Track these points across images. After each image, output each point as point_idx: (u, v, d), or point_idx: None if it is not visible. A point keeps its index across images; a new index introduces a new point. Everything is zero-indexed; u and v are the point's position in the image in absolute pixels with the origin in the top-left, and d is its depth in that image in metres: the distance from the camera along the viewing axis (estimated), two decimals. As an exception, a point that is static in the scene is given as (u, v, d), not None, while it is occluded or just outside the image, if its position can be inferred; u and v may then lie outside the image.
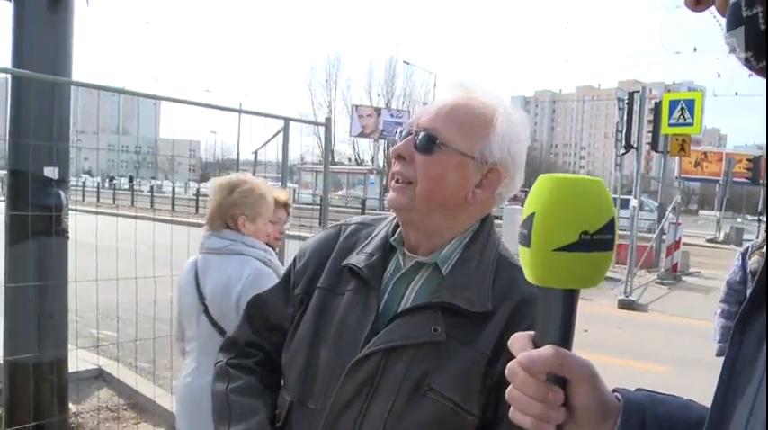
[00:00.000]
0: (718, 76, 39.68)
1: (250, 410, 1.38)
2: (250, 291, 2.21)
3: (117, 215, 5.92)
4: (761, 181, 33.09)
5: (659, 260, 15.84)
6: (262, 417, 1.36)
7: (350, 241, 1.42)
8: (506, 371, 0.77)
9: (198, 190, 33.19)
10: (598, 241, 0.74)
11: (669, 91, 23.78)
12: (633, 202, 13.07)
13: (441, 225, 1.33)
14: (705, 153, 41.93)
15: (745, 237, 29.71)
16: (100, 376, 5.35)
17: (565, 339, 0.77)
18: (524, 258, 0.78)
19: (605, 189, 0.77)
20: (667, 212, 15.04)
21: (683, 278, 15.16)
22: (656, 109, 16.04)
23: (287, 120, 4.80)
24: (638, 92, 16.21)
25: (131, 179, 46.06)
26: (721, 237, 29.99)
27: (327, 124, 4.82)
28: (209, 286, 2.57)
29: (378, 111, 50.31)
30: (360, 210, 26.13)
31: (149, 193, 32.54)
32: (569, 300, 0.77)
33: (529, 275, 0.78)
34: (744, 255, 4.39)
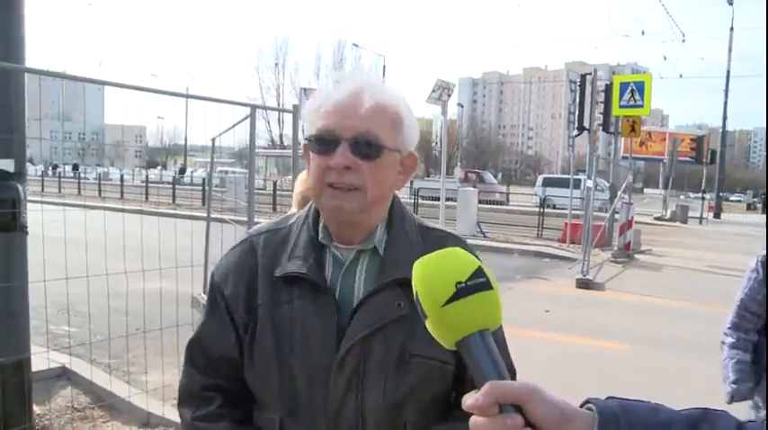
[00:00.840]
0: (665, 58, 40.55)
1: None
2: None
3: (65, 205, 5.70)
4: (704, 160, 34.04)
5: (612, 239, 16.12)
6: None
7: (269, 251, 1.39)
8: (470, 425, 0.81)
9: (147, 177, 32.66)
10: (474, 285, 0.85)
11: (614, 73, 24.11)
12: (588, 183, 13.23)
13: (377, 216, 1.39)
14: (650, 133, 42.77)
15: (691, 214, 30.56)
16: (63, 375, 5.17)
17: (498, 373, 0.83)
18: (431, 331, 0.87)
19: (464, 252, 0.91)
20: (620, 192, 15.28)
21: (636, 256, 15.47)
22: (607, 91, 16.28)
23: (253, 107, 4.68)
24: (590, 74, 16.42)
25: (76, 167, 44.88)
26: (668, 215, 30.74)
27: (295, 111, 4.72)
28: None
29: (327, 94, 49.92)
30: (313, 195, 25.83)
31: (96, 181, 31.76)
32: (482, 341, 0.84)
33: (442, 342, 0.86)
34: (764, 265, 3.21)
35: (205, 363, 1.42)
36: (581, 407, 0.90)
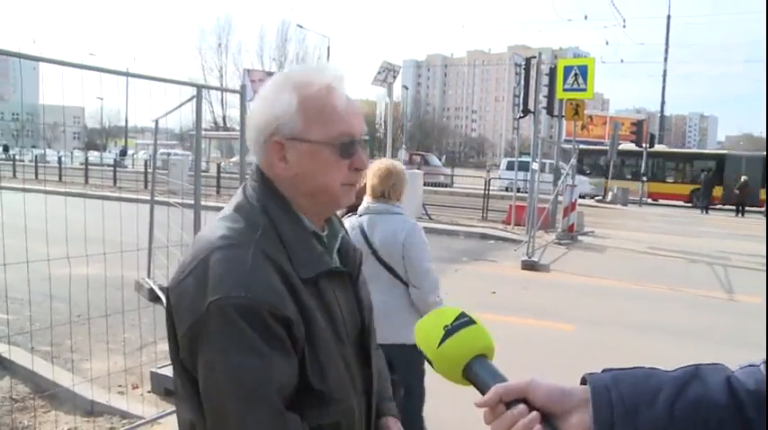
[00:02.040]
0: (607, 43, 41.27)
1: None
2: (411, 234, 3.58)
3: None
4: (644, 143, 34.78)
5: (555, 221, 16.38)
6: None
7: (276, 253, 1.28)
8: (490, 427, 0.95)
9: (86, 159, 31.71)
10: (459, 324, 1.05)
11: (557, 57, 24.46)
12: (534, 165, 13.38)
13: None
14: (591, 116, 43.61)
15: (630, 197, 31.28)
16: (0, 364, 4.99)
17: (500, 380, 0.99)
18: (441, 373, 1.06)
19: (449, 308, 1.09)
20: (563, 174, 15.51)
21: (579, 238, 15.75)
22: (551, 74, 16.44)
23: (199, 87, 4.55)
24: (535, 57, 16.56)
25: (6, 148, 43.28)
26: (609, 198, 31.39)
27: (243, 91, 4.60)
28: (377, 236, 3.58)
29: (270, 75, 48.25)
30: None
31: (32, 163, 30.71)
32: (480, 364, 1.03)
33: (452, 379, 1.04)
34: None
35: (286, 403, 1.23)
36: (580, 384, 0.98)
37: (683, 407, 0.94)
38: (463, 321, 1.06)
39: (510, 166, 33.40)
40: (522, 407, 0.94)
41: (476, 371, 1.02)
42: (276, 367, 1.20)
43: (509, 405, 0.95)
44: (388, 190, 3.70)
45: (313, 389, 1.27)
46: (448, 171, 39.20)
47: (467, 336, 1.04)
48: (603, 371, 0.99)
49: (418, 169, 23.51)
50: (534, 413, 0.93)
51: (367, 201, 3.73)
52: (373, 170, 3.69)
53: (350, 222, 3.63)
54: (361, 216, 3.70)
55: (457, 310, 1.08)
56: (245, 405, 1.19)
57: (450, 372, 1.04)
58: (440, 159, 52.88)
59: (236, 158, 40.61)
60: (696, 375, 0.98)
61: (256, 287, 1.20)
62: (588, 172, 33.34)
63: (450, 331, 1.04)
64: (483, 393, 0.98)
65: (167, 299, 1.33)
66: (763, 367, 0.97)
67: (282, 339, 1.22)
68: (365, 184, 3.77)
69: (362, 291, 1.49)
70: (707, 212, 28.63)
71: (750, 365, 0.99)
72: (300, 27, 63.15)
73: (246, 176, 4.14)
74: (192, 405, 1.29)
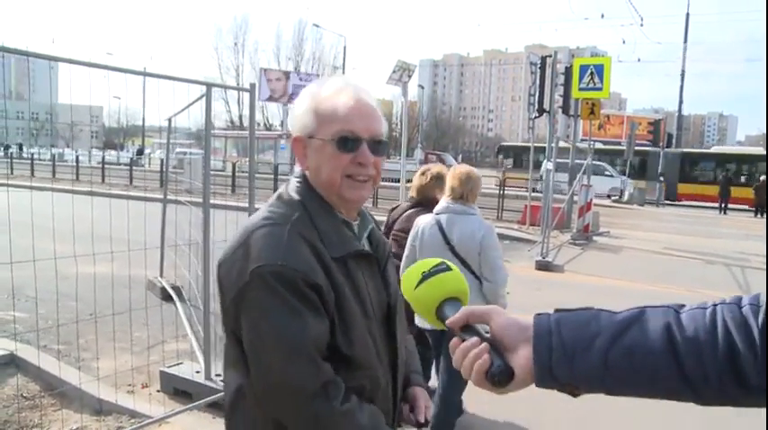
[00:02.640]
0: (624, 42, 40.96)
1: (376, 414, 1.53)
2: (488, 235, 4.00)
3: (9, 186, 5.51)
4: (660, 143, 34.53)
5: (570, 221, 16.26)
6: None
7: (309, 235, 1.50)
8: (450, 350, 1.08)
9: (103, 158, 31.90)
10: (435, 271, 1.19)
11: (574, 56, 24.29)
12: (548, 165, 13.28)
13: None
14: (608, 116, 43.29)
15: (647, 197, 31.04)
16: (12, 362, 5.00)
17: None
18: (417, 313, 1.20)
19: (433, 258, 1.25)
20: (579, 174, 15.39)
21: (594, 238, 15.63)
22: (567, 74, 16.34)
23: (209, 85, 4.52)
24: (551, 56, 16.45)
25: (20, 147, 43.61)
26: (625, 198, 31.15)
27: (252, 90, 4.56)
28: (456, 234, 4.02)
29: (287, 75, 49.38)
30: (272, 175, 25.56)
31: (50, 162, 30.92)
32: (451, 306, 1.15)
33: (427, 319, 1.18)
34: None
35: (321, 357, 1.44)
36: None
37: (616, 354, 0.96)
38: (440, 268, 1.20)
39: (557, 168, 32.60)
40: (474, 339, 1.05)
41: (445, 312, 1.14)
42: (310, 324, 1.41)
43: (465, 338, 1.07)
44: (467, 193, 4.13)
45: (342, 354, 1.47)
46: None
47: (439, 281, 1.18)
48: (555, 310, 1.05)
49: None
50: (484, 344, 1.04)
51: (446, 201, 4.17)
52: (453, 174, 4.19)
53: (427, 219, 4.20)
54: (439, 214, 4.15)
55: (436, 259, 1.23)
56: (287, 356, 1.40)
57: (426, 313, 1.18)
58: (456, 159, 52.77)
59: (261, 158, 40.86)
60: (638, 319, 0.99)
61: (291, 258, 1.43)
62: (625, 173, 32.77)
63: (425, 276, 1.18)
64: (450, 330, 1.11)
65: (218, 272, 1.55)
66: (721, 307, 0.97)
67: (315, 302, 1.43)
68: (427, 182, 4.63)
69: (390, 276, 1.70)
70: (725, 213, 28.34)
71: (700, 307, 0.99)
72: (317, 26, 63.27)
73: (255, 175, 4.09)
74: (240, 369, 1.51)
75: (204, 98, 4.58)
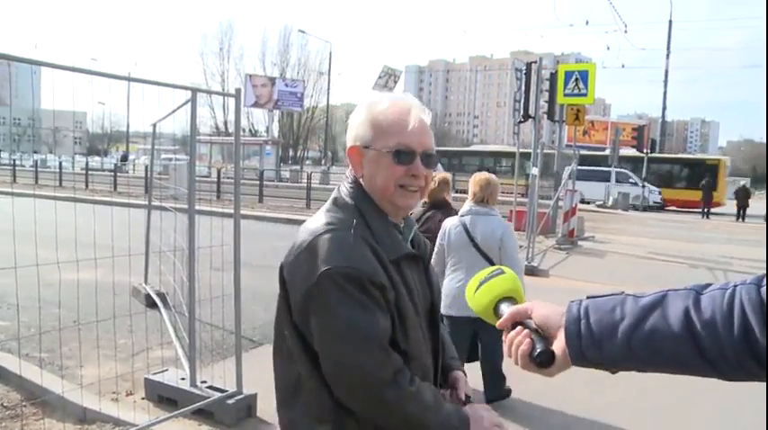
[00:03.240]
0: (608, 48, 41.26)
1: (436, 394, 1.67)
2: (507, 232, 4.76)
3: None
4: (645, 149, 34.73)
5: (555, 226, 16.31)
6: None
7: (367, 239, 1.63)
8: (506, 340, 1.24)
9: (87, 164, 31.66)
10: (490, 277, 1.37)
11: (559, 62, 24.42)
12: (533, 171, 13.32)
13: None
14: (592, 122, 43.57)
15: (631, 202, 31.22)
16: (-8, 370, 4.93)
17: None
18: (480, 315, 1.38)
19: (488, 268, 1.42)
20: (564, 179, 15.45)
21: (579, 243, 15.69)
22: (552, 79, 16.39)
23: (194, 91, 4.49)
24: (536, 62, 16.50)
25: (-1, 154, 43.20)
26: (610, 203, 31.31)
27: (237, 95, 4.53)
28: (479, 232, 4.70)
29: (272, 80, 49.43)
30: (257, 181, 25.43)
31: (33, 168, 30.65)
32: (506, 304, 1.31)
33: (487, 318, 1.36)
34: None
35: (387, 344, 1.58)
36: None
37: (639, 339, 1.05)
38: (495, 274, 1.38)
39: (580, 176, 32.25)
40: (518, 328, 1.21)
41: (499, 310, 1.31)
42: (379, 318, 1.56)
43: (514, 328, 1.22)
44: (487, 196, 4.84)
45: (399, 349, 1.60)
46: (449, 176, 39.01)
47: (493, 284, 1.35)
48: (588, 297, 1.15)
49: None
50: (525, 331, 1.19)
51: (469, 204, 4.86)
52: (475, 180, 4.87)
53: (453, 221, 4.85)
54: (463, 216, 4.82)
55: (494, 267, 1.42)
56: (360, 346, 1.54)
57: (485, 313, 1.35)
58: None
59: (246, 163, 40.61)
60: (660, 304, 1.06)
61: (358, 260, 1.56)
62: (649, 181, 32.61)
63: (482, 282, 1.37)
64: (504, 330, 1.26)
65: (281, 273, 1.70)
66: (741, 287, 1.00)
67: (379, 300, 1.57)
68: (438, 186, 5.28)
69: (432, 275, 1.87)
70: (708, 217, 28.57)
71: (721, 288, 1.03)
72: (302, 32, 63.40)
73: (241, 181, 4.06)
74: (301, 360, 1.65)
75: (189, 104, 4.55)
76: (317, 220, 1.67)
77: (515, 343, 1.18)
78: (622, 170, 32.74)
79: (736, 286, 1.01)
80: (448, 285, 4.73)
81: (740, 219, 27.91)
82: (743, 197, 28.72)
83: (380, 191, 1.68)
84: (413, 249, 1.76)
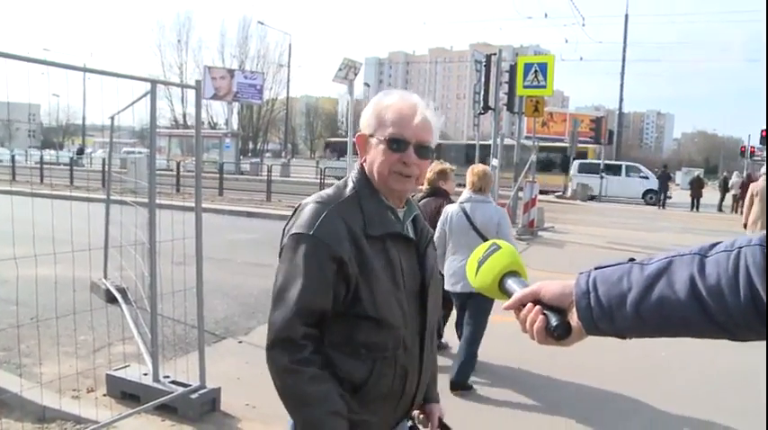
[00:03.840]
0: (566, 41, 41.77)
1: (327, 394, 1.74)
2: (503, 217, 5.40)
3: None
4: (602, 140, 35.26)
5: (516, 217, 16.48)
6: (337, 399, 1.75)
7: (350, 216, 1.81)
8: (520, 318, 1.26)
9: (41, 157, 30.98)
10: (487, 255, 1.36)
11: (518, 54, 24.56)
12: (494, 162, 13.43)
13: None
14: (551, 113, 43.92)
15: (590, 193, 31.67)
16: (-53, 369, 4.81)
17: (524, 286, 1.28)
18: (487, 295, 1.38)
19: (483, 245, 1.40)
20: (524, 170, 15.62)
21: (540, 233, 15.88)
22: (511, 71, 16.52)
23: (154, 82, 4.43)
24: (495, 54, 16.63)
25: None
26: (569, 193, 31.72)
27: (198, 87, 4.47)
28: (478, 217, 5.31)
29: (231, 72, 48.86)
30: (217, 174, 25.16)
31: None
32: (510, 279, 1.32)
33: (494, 296, 1.36)
34: None
35: (307, 314, 1.74)
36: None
37: (648, 307, 1.07)
38: (491, 250, 1.36)
39: (583, 169, 32.61)
40: (529, 305, 1.22)
41: (506, 286, 1.31)
42: (309, 289, 1.73)
43: (524, 306, 1.23)
44: (484, 186, 5.46)
45: (369, 316, 1.77)
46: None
47: (494, 261, 1.34)
48: (596, 268, 1.18)
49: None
50: (537, 307, 1.21)
51: (468, 193, 5.46)
52: (473, 172, 5.50)
53: (454, 207, 5.49)
54: (463, 203, 5.43)
55: (489, 243, 1.40)
56: (280, 304, 1.76)
57: (491, 292, 1.35)
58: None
59: (206, 156, 40.14)
60: (665, 271, 1.08)
61: (324, 231, 1.75)
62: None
63: (481, 262, 1.36)
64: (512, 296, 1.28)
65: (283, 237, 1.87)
66: (745, 250, 1.01)
67: (328, 273, 1.74)
68: (435, 174, 5.92)
69: (428, 259, 1.98)
70: (664, 207, 29.16)
71: (726, 250, 1.04)
72: (261, 24, 62.94)
73: (202, 174, 4.02)
74: None
75: (149, 96, 4.49)
76: (316, 194, 1.90)
77: (529, 319, 1.21)
78: (633, 163, 32.84)
79: (741, 248, 1.02)
80: (451, 265, 5.38)
81: (694, 209, 28.55)
82: (697, 187, 29.39)
83: (378, 174, 1.87)
84: (404, 231, 1.92)
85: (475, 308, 5.28)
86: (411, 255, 1.93)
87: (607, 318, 1.12)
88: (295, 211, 1.88)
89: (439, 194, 5.96)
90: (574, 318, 1.17)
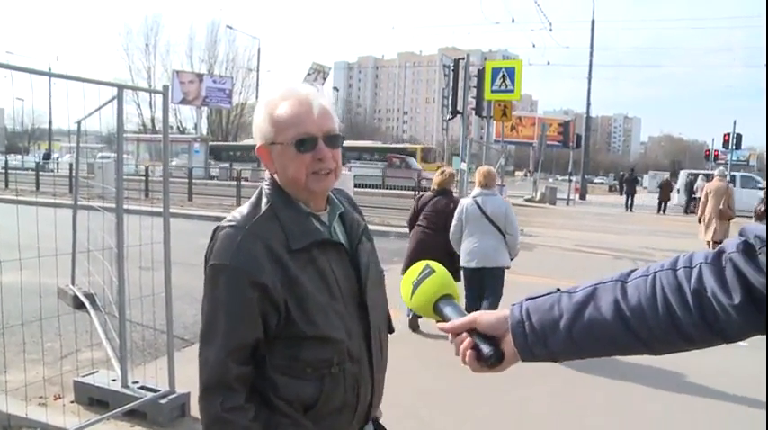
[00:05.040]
0: (534, 46, 42.18)
1: None
2: (508, 207, 6.59)
3: None
4: (570, 144, 35.67)
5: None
6: None
7: (268, 232, 1.68)
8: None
9: (6, 162, 30.45)
10: (423, 277, 1.43)
11: (486, 59, 24.83)
12: (463, 166, 13.55)
13: None
14: (520, 117, 44.38)
15: (559, 195, 32.02)
16: None
17: (459, 315, 1.37)
18: (421, 315, 1.48)
19: (420, 263, 1.48)
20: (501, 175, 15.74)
21: (508, 237, 15.96)
22: (480, 76, 16.68)
23: (120, 87, 4.42)
24: (463, 59, 16.76)
25: None
26: (538, 197, 32.04)
27: (165, 92, 4.47)
28: (489, 208, 6.40)
29: (200, 77, 48.60)
30: (186, 179, 24.99)
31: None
32: (444, 303, 1.41)
33: (428, 316, 1.45)
34: None
35: (241, 352, 1.64)
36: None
37: (579, 331, 1.18)
38: (426, 273, 1.43)
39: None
40: (464, 334, 1.31)
41: (440, 310, 1.40)
42: (236, 325, 1.63)
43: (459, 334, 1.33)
44: (489, 182, 6.66)
45: (307, 335, 1.65)
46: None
47: (428, 286, 1.42)
48: (526, 299, 1.28)
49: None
50: (468, 337, 1.30)
51: (477, 189, 6.65)
52: (481, 172, 6.80)
53: (467, 200, 6.66)
54: (475, 197, 6.58)
55: (421, 265, 1.46)
56: (204, 340, 1.67)
57: (425, 313, 1.44)
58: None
59: (176, 162, 39.76)
60: (592, 298, 1.20)
61: (242, 258, 1.62)
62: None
63: (416, 285, 1.42)
64: (446, 322, 1.36)
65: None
66: (660, 274, 1.17)
67: (254, 303, 1.62)
68: (444, 177, 7.26)
69: (361, 255, 1.83)
70: (631, 210, 29.57)
71: (643, 275, 1.19)
72: (230, 28, 62.63)
73: (170, 179, 4.04)
74: None
75: (115, 100, 4.48)
76: (231, 214, 1.77)
77: (462, 348, 1.31)
78: (749, 174, 32.05)
79: (655, 273, 1.17)
80: (467, 247, 6.54)
81: (661, 212, 28.98)
82: (666, 191, 29.76)
83: (293, 182, 1.73)
84: (331, 236, 1.79)
85: (491, 279, 6.48)
86: (342, 258, 1.79)
87: (541, 343, 1.23)
88: (213, 235, 1.74)
89: (447, 193, 7.23)
90: (508, 346, 1.27)
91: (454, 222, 6.59)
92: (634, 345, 1.16)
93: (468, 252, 6.48)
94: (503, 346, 1.28)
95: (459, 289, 5.43)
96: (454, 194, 7.59)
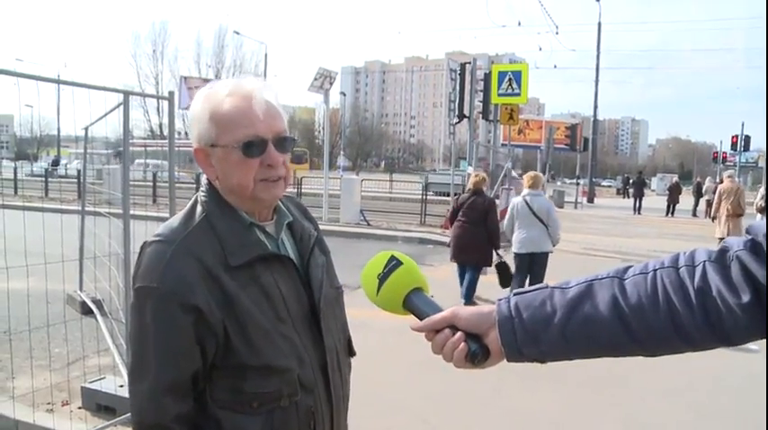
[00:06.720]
0: (540, 49, 42.22)
1: None
2: (551, 205, 8.67)
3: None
4: (578, 147, 35.58)
5: (493, 224, 16.52)
6: None
7: (204, 247, 1.47)
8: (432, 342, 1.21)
9: (16, 169, 30.57)
10: (388, 271, 1.25)
11: (493, 62, 24.80)
12: (469, 170, 13.52)
13: None
14: (527, 121, 44.26)
15: (566, 199, 31.95)
16: None
17: (433, 311, 1.22)
18: (389, 311, 1.27)
19: (383, 253, 1.29)
20: (500, 177, 15.71)
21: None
22: (486, 80, 16.66)
23: (126, 93, 4.44)
24: (470, 63, 16.76)
25: None
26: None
27: (171, 98, 4.49)
28: (535, 205, 8.12)
29: (207, 82, 48.66)
30: (194, 185, 25.04)
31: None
32: (416, 297, 1.25)
33: (396, 313, 1.27)
34: None
35: (178, 387, 1.43)
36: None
37: (573, 329, 1.11)
38: (392, 265, 1.26)
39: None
40: (447, 331, 1.18)
41: (412, 304, 1.25)
42: (169, 356, 1.42)
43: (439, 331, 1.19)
44: (537, 184, 8.27)
45: (249, 364, 1.45)
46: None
47: (396, 280, 1.25)
48: (514, 294, 1.18)
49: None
50: (459, 333, 1.17)
51: (526, 190, 8.24)
52: (529, 176, 8.45)
53: (518, 199, 8.33)
54: (525, 196, 8.16)
55: (386, 255, 1.29)
56: (134, 374, 1.47)
57: (393, 310, 1.26)
58: (378, 165, 53.06)
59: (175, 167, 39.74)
60: (588, 294, 1.13)
61: (170, 279, 1.40)
62: None
63: (382, 279, 1.25)
64: (420, 319, 1.22)
65: None
66: (660, 271, 1.10)
67: (183, 327, 1.41)
68: (479, 179, 8.60)
69: (314, 274, 1.61)
70: (639, 213, 29.47)
71: (642, 273, 1.12)
72: (237, 34, 62.78)
73: (176, 185, 4.04)
74: None
75: (122, 107, 4.49)
76: (161, 226, 1.54)
77: (449, 344, 1.17)
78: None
79: (656, 270, 1.10)
80: (518, 237, 8.25)
81: (670, 215, 28.86)
82: (676, 193, 29.60)
83: (239, 190, 1.51)
84: (278, 249, 1.59)
85: (537, 264, 8.17)
86: (291, 274, 1.56)
87: (531, 342, 1.13)
88: (141, 251, 1.50)
89: (481, 193, 8.53)
90: (493, 344, 1.16)
91: (507, 216, 8.48)
92: (629, 345, 1.10)
93: (520, 241, 8.20)
94: (487, 343, 1.17)
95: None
96: (486, 193, 9.00)
